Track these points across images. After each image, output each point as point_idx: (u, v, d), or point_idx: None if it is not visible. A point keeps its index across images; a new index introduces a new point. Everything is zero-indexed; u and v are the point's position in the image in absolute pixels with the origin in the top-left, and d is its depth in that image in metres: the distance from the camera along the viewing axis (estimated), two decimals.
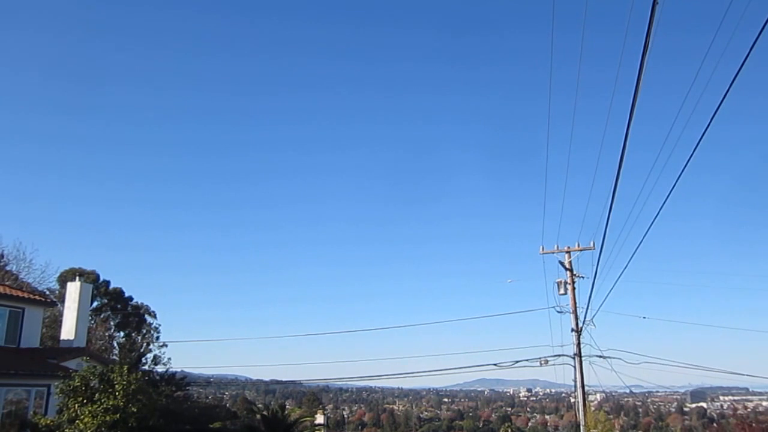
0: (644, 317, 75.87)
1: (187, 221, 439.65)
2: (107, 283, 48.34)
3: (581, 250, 29.70)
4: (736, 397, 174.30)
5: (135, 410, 18.11)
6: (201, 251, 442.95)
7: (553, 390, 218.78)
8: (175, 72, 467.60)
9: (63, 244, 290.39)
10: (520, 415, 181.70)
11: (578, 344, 29.11)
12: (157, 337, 49.79)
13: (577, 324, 29.18)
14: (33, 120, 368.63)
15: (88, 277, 37.60)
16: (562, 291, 29.69)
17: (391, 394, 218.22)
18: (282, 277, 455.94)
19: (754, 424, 37.97)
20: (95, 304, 45.37)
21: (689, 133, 11.74)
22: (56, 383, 19.78)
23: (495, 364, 31.98)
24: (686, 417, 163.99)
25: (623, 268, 22.89)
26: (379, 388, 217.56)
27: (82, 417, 17.69)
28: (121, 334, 48.87)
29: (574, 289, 29.52)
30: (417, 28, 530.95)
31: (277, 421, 34.67)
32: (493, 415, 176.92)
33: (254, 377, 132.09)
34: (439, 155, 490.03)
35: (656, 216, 15.16)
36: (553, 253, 30.35)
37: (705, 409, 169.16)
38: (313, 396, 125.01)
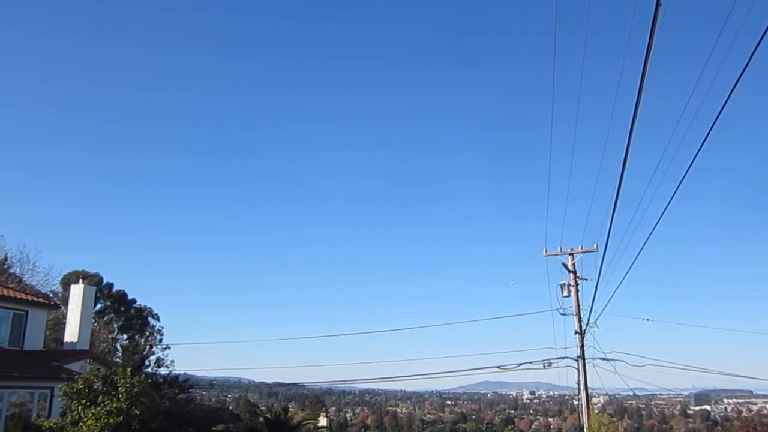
0: (648, 319, 75.46)
1: (190, 223, 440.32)
2: (110, 285, 48.43)
3: (584, 252, 29.63)
4: (740, 400, 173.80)
5: (138, 413, 18.13)
6: (204, 253, 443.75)
7: (556, 392, 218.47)
8: (177, 73, 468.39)
9: (66, 246, 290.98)
10: (523, 418, 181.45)
11: (581, 346, 29.04)
12: (160, 340, 49.97)
13: (580, 326, 29.12)
14: (35, 120, 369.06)
15: (92, 280, 37.69)
16: (565, 293, 29.62)
17: (394, 396, 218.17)
18: (285, 280, 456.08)
19: (758, 427, 37.86)
20: (98, 306, 45.45)
21: (691, 136, 11.74)
22: (59, 386, 19.82)
23: (498, 367, 31.98)
24: (690, 420, 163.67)
25: (627, 270, 22.90)
26: (382, 390, 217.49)
27: (85, 419, 17.70)
28: (125, 336, 48.98)
29: (577, 291, 29.46)
30: (416, 28, 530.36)
31: (280, 423, 34.66)
32: (496, 418, 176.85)
33: (257, 380, 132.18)
34: (439, 157, 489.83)
35: (659, 218, 15.16)
36: (556, 255, 30.30)
37: (709, 412, 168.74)
38: (316, 398, 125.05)
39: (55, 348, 32.91)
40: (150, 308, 50.97)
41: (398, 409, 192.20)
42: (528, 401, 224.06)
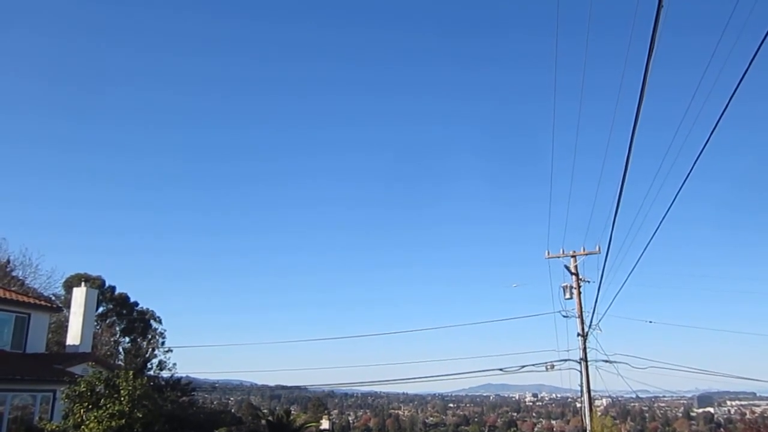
0: (651, 321, 75.83)
1: (191, 225, 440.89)
2: (113, 288, 48.46)
3: (587, 255, 29.60)
4: (743, 402, 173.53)
5: (140, 416, 18.11)
6: (206, 256, 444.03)
7: (559, 395, 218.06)
8: (178, 74, 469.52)
9: (69, 249, 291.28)
10: (526, 420, 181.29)
11: (584, 349, 28.98)
12: (163, 343, 49.94)
13: (583, 328, 29.07)
14: (37, 123, 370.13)
15: (94, 283, 37.68)
16: (567, 295, 29.57)
17: (396, 399, 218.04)
18: (287, 282, 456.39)
19: (761, 429, 37.75)
20: (101, 309, 45.47)
21: (693, 138, 11.73)
22: (62, 388, 19.82)
23: (501, 369, 31.87)
24: (693, 422, 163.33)
25: (629, 272, 22.80)
26: (384, 393, 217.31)
27: (87, 422, 17.69)
28: (127, 339, 48.99)
29: (579, 293, 29.41)
30: (416, 30, 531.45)
31: (283, 426, 34.65)
32: (498, 420, 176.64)
33: (259, 382, 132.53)
34: (440, 159, 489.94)
35: (662, 220, 15.11)
36: (558, 257, 30.25)
37: (712, 414, 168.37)
38: (318, 401, 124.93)
39: (57, 351, 32.94)
40: (152, 311, 51.04)
41: (401, 412, 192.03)
42: (531, 404, 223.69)
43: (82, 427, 17.74)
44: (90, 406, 18.16)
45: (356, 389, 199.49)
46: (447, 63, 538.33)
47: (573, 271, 29.68)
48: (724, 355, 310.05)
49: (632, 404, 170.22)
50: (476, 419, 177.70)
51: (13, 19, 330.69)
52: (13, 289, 30.94)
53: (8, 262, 40.46)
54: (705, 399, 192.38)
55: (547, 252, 30.54)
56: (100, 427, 17.47)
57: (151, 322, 50.53)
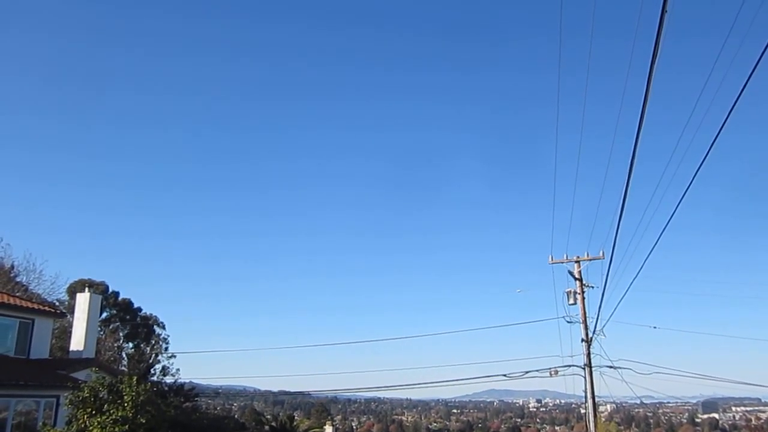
0: (655, 327, 75.16)
1: (194, 230, 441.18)
2: (116, 294, 48.54)
3: (591, 260, 29.51)
4: (748, 408, 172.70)
5: (144, 421, 18.10)
6: (209, 261, 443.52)
7: (563, 401, 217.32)
8: (179, 77, 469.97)
9: (72, 254, 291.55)
10: (530, 426, 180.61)
11: (588, 354, 28.89)
12: (166, 348, 49.96)
13: (587, 334, 28.97)
14: (39, 126, 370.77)
15: (97, 288, 37.78)
16: (571, 301, 29.49)
17: (399, 405, 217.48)
18: (289, 288, 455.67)
19: None
20: (104, 315, 45.54)
21: (697, 143, 11.71)
22: (65, 394, 19.82)
23: (504, 375, 31.79)
24: (698, 428, 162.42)
25: (633, 278, 22.71)
26: (387, 399, 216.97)
27: (90, 428, 17.69)
28: (130, 345, 49.02)
29: (583, 298, 29.32)
30: (417, 34, 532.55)
31: (286, 431, 34.59)
32: (502, 426, 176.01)
33: (263, 388, 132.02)
34: (441, 163, 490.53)
35: (666, 225, 15.11)
36: (562, 262, 30.17)
37: (717, 420, 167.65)
38: (322, 407, 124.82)
39: (60, 356, 32.96)
40: (155, 316, 51.08)
41: (404, 418, 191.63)
42: (534, 409, 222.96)
43: None
44: (93, 412, 18.15)
45: (360, 395, 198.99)
46: (448, 67, 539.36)
47: (577, 276, 29.60)
48: (728, 361, 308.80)
49: (636, 410, 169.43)
50: (480, 425, 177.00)
51: (13, 19, 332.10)
52: (17, 294, 31.02)
53: (12, 267, 40.55)
54: (710, 405, 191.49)
55: (550, 257, 30.47)
56: None
57: (155, 327, 50.56)
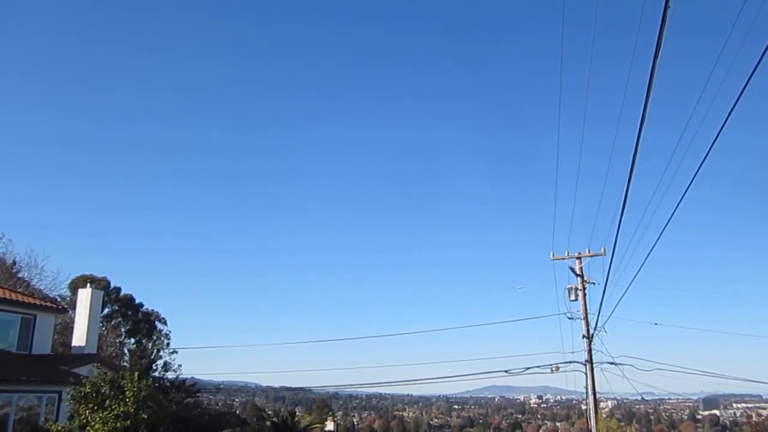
0: (656, 323, 75.11)
1: (196, 227, 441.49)
2: (118, 289, 48.58)
3: (592, 256, 29.50)
4: (749, 405, 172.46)
5: (145, 417, 18.15)
6: (211, 257, 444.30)
7: (564, 397, 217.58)
8: (180, 74, 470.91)
9: (74, 250, 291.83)
10: (531, 422, 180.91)
11: (589, 351, 28.91)
12: (168, 344, 50.07)
13: (588, 330, 28.99)
14: (41, 123, 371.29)
15: (99, 284, 37.75)
16: (572, 297, 29.48)
17: (401, 400, 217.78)
18: (291, 284, 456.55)
19: None
20: (106, 310, 45.59)
21: (699, 141, 11.69)
22: (67, 390, 19.86)
23: (505, 371, 31.80)
24: (699, 425, 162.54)
25: (635, 274, 22.69)
26: (389, 394, 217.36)
27: (92, 423, 17.74)
28: (132, 340, 49.10)
29: (585, 295, 29.32)
30: (417, 32, 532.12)
31: (287, 427, 34.70)
32: (503, 422, 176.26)
33: (264, 384, 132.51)
34: (442, 161, 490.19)
35: (667, 222, 15.08)
36: (563, 259, 30.17)
37: (718, 417, 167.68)
38: (323, 403, 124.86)
39: (62, 352, 33.02)
40: (157, 312, 51.14)
41: (405, 414, 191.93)
42: (535, 406, 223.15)
43: (87, 428, 17.78)
44: (95, 408, 18.19)
45: (361, 391, 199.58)
46: (449, 65, 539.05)
47: (578, 272, 29.60)
48: (729, 358, 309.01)
49: (637, 406, 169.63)
50: (481, 421, 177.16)
51: (14, 17, 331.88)
52: (18, 290, 31.05)
53: (14, 263, 40.61)
54: (711, 401, 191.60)
55: (551, 254, 30.48)
56: (106, 428, 17.50)
57: (157, 323, 50.63)
